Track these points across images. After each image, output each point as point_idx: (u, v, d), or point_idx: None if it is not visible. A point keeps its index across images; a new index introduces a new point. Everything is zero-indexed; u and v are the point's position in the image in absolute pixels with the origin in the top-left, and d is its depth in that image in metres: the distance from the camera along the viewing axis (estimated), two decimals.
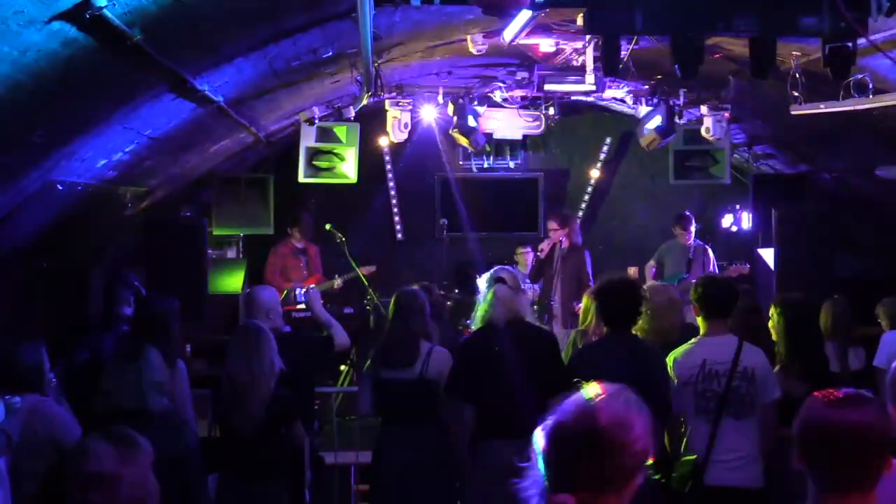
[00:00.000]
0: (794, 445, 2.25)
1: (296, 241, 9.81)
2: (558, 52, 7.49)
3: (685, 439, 4.84)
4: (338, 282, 9.74)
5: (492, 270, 5.79)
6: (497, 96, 9.11)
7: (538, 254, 9.35)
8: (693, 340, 4.94)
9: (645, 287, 5.41)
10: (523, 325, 5.43)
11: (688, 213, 9.84)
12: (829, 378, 5.29)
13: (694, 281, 8.86)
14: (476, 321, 5.52)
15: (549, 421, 1.91)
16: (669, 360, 4.87)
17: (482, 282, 5.79)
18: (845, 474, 2.16)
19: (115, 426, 2.22)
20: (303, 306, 8.88)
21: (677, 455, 4.84)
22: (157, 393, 4.08)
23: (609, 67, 4.96)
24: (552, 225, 9.28)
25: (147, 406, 4.00)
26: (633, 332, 5.18)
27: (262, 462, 4.91)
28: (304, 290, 8.94)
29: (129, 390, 4.01)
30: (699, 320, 5.05)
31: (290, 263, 9.73)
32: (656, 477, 4.75)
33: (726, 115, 8.64)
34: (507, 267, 6.01)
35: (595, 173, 11.80)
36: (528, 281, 9.43)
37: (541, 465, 1.90)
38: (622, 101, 9.29)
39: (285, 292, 8.91)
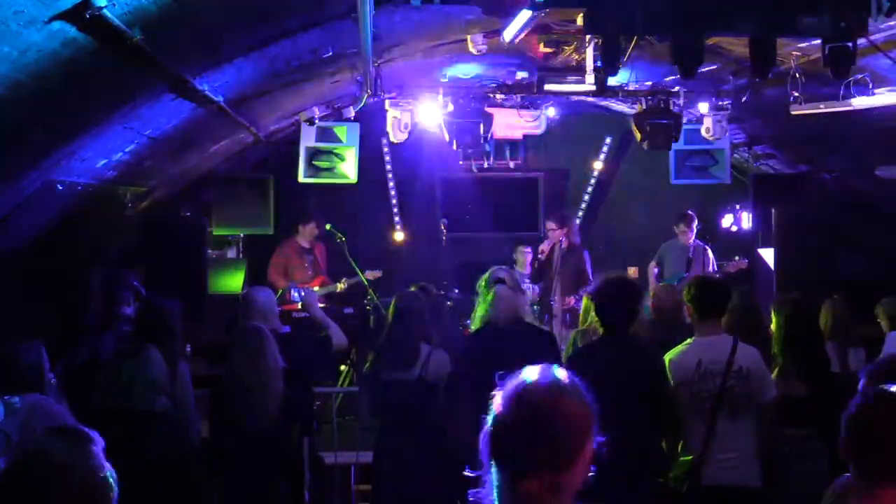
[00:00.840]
0: (842, 434, 2.33)
1: (302, 240, 9.74)
2: (558, 51, 7.50)
3: (682, 439, 4.84)
4: (342, 286, 9.70)
5: (490, 271, 5.79)
6: (497, 96, 9.11)
7: (539, 256, 9.33)
8: (688, 341, 4.94)
9: (651, 289, 5.40)
10: (523, 325, 5.43)
11: (691, 212, 9.84)
12: (829, 378, 5.30)
13: None
14: (475, 321, 5.51)
15: (487, 421, 1.95)
16: (665, 360, 4.87)
17: (480, 282, 5.78)
18: (887, 468, 2.25)
19: (68, 427, 2.24)
20: (301, 306, 8.85)
21: (674, 455, 4.84)
22: (155, 392, 4.07)
23: (609, 68, 4.97)
24: (550, 225, 9.28)
25: (143, 405, 3.99)
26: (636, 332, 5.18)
27: (268, 461, 4.91)
28: (302, 292, 8.90)
29: (125, 389, 4.01)
30: (694, 321, 5.03)
31: (294, 263, 9.66)
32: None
33: (726, 114, 8.65)
34: (505, 267, 6.01)
35: (598, 165, 11.75)
36: (527, 281, 9.44)
37: (492, 461, 1.93)
38: (622, 100, 9.29)
39: (280, 291, 8.87)
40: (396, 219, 11.68)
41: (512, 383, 1.94)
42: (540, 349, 5.27)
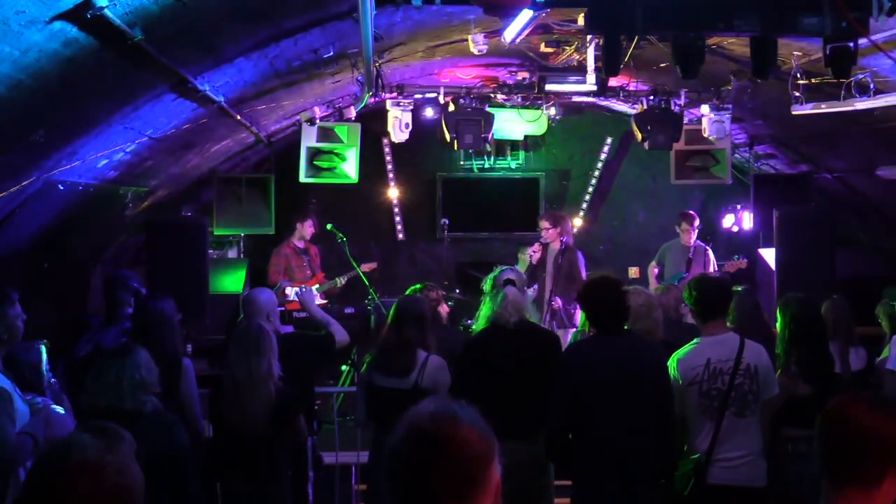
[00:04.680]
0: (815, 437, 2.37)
1: (297, 241, 9.79)
2: (559, 51, 7.50)
3: (688, 438, 4.83)
4: (341, 281, 9.73)
5: (496, 270, 5.77)
6: (498, 96, 9.11)
7: (530, 257, 9.25)
8: (695, 341, 4.92)
9: (652, 289, 5.38)
10: (529, 326, 5.42)
11: (692, 212, 9.84)
12: (832, 379, 5.30)
13: None
14: (480, 321, 5.49)
15: (388, 450, 1.86)
16: (672, 360, 4.85)
17: (486, 281, 5.76)
18: (849, 470, 2.28)
19: (94, 421, 2.23)
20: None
21: (680, 454, 4.83)
22: (142, 393, 4.05)
23: (610, 67, 4.96)
24: (544, 224, 9.25)
25: (132, 405, 3.97)
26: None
27: (264, 462, 4.90)
28: (296, 289, 8.89)
29: (110, 389, 3.99)
30: (698, 322, 5.02)
31: (293, 263, 9.72)
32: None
33: (727, 115, 8.65)
34: (512, 268, 5.98)
35: (599, 165, 11.74)
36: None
37: (392, 496, 1.84)
38: (623, 100, 9.29)
39: (274, 289, 8.82)
40: (397, 218, 11.69)
41: (407, 414, 1.87)
42: (545, 350, 5.27)
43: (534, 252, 9.15)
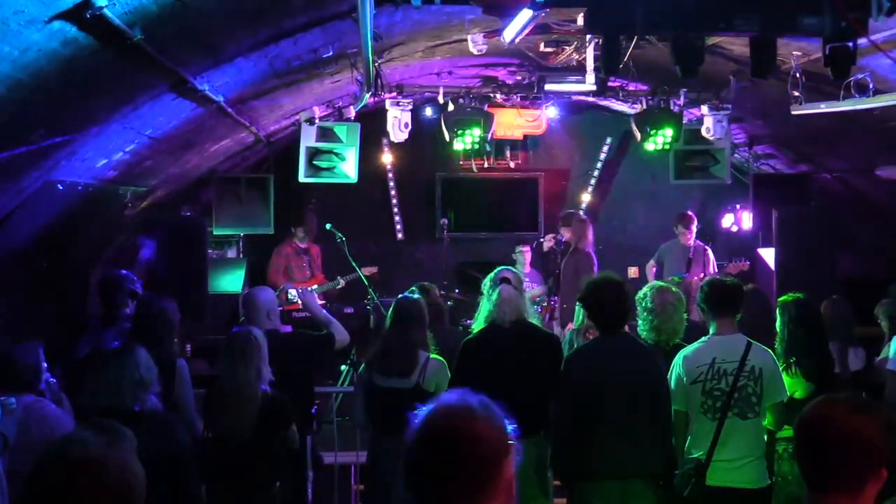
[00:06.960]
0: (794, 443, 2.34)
1: (299, 241, 9.81)
2: (559, 51, 7.50)
3: (689, 438, 4.83)
4: (341, 283, 9.73)
5: (495, 271, 5.77)
6: (498, 96, 9.11)
7: (542, 241, 9.43)
8: (703, 339, 4.94)
9: (649, 286, 5.39)
10: (528, 326, 5.41)
11: (690, 213, 9.84)
12: (831, 379, 5.30)
13: (694, 280, 8.91)
14: (478, 321, 5.49)
15: (405, 451, 1.84)
16: (679, 358, 4.87)
17: (485, 282, 5.76)
18: (831, 475, 2.23)
19: (94, 418, 2.23)
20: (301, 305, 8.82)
21: (681, 454, 4.83)
22: (142, 392, 4.05)
23: (609, 67, 4.97)
24: (561, 222, 9.41)
25: (129, 404, 3.97)
26: (639, 331, 5.17)
27: (250, 469, 4.88)
28: (299, 291, 8.89)
29: (110, 388, 4.00)
30: (709, 321, 5.03)
31: (293, 263, 9.74)
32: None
33: (727, 115, 8.65)
34: (509, 267, 5.99)
35: (598, 165, 11.74)
36: (526, 279, 9.45)
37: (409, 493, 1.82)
38: (623, 100, 9.29)
39: (277, 291, 8.83)
40: (397, 218, 11.69)
41: (423, 409, 1.84)
42: (542, 350, 5.26)
43: (545, 241, 9.25)
